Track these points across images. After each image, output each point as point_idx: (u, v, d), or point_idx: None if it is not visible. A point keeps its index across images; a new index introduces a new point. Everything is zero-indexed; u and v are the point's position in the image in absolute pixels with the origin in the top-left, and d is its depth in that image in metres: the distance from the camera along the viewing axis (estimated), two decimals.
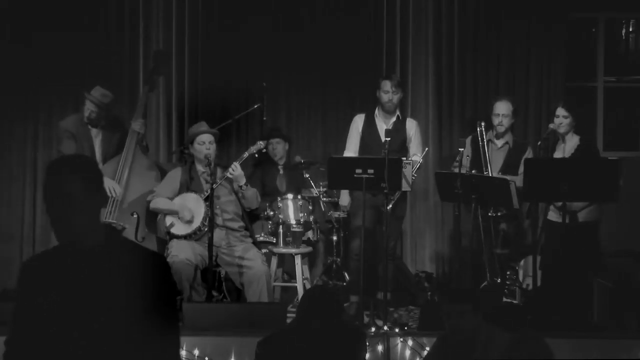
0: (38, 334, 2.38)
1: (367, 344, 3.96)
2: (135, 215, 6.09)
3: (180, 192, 6.07)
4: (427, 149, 6.52)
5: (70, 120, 6.26)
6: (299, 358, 3.65)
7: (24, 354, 2.43)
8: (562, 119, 5.99)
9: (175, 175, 6.19)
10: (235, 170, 5.92)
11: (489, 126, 6.34)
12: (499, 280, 6.04)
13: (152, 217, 6.15)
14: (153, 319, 2.37)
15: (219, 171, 6.04)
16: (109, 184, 5.90)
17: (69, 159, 2.52)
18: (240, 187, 5.97)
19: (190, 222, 5.92)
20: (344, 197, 6.53)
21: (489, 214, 6.01)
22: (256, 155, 6.30)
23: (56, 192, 2.37)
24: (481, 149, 6.15)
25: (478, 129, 6.17)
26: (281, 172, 6.96)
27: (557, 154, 6.04)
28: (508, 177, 5.87)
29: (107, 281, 2.36)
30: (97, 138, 6.25)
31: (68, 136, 6.13)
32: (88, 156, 2.62)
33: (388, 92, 6.31)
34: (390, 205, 6.00)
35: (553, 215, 6.02)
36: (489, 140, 6.27)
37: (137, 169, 6.16)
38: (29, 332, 2.40)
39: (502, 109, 6.23)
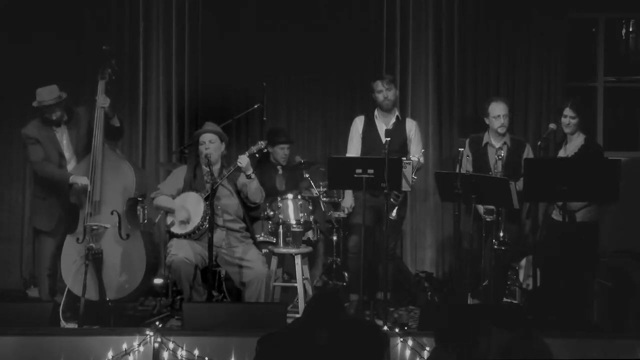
0: None
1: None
2: (114, 214, 5.93)
3: (184, 190, 6.07)
4: (422, 150, 6.50)
5: (31, 125, 6.09)
6: (299, 357, 3.65)
7: None
8: (569, 119, 5.94)
9: (180, 174, 6.20)
10: (243, 161, 5.89)
11: (484, 128, 6.29)
12: (498, 281, 6.05)
13: (133, 213, 6.04)
14: None
15: (224, 171, 6.02)
16: (79, 180, 5.84)
17: None
18: (248, 176, 5.94)
19: (185, 222, 5.92)
20: (348, 199, 6.48)
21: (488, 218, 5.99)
22: (257, 155, 6.29)
23: None
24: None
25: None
26: (280, 172, 6.96)
27: (561, 153, 6.01)
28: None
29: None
30: (63, 136, 6.10)
31: (32, 142, 6.02)
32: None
33: (381, 90, 6.33)
34: (395, 213, 6.01)
35: (556, 214, 6.01)
36: (486, 144, 6.23)
37: (108, 167, 5.96)
38: None
39: (502, 110, 6.13)
